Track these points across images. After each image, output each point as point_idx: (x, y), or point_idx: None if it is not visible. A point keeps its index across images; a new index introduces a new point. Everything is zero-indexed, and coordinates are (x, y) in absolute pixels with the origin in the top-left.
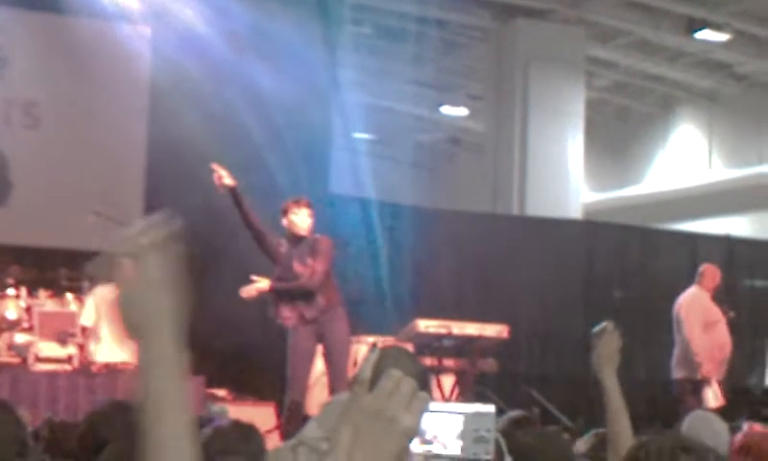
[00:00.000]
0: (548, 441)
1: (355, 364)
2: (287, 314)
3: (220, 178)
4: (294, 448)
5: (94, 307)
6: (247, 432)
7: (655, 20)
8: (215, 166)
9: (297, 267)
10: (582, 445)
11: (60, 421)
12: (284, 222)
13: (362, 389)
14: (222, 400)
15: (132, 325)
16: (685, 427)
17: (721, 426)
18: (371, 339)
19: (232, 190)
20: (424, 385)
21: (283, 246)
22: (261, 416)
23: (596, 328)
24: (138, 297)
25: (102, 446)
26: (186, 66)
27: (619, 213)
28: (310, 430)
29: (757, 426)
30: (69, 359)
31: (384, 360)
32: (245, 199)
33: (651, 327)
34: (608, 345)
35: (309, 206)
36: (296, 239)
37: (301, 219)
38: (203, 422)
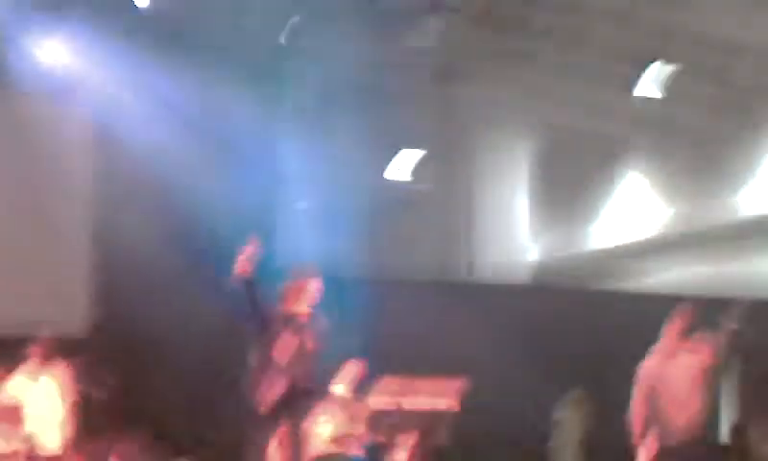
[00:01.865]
0: None
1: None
2: (263, 395)
3: (245, 270)
4: None
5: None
6: None
7: (593, 78)
8: (242, 257)
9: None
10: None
11: None
12: (281, 306)
13: None
14: None
15: None
16: None
17: None
18: (322, 417)
19: (249, 281)
20: None
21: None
22: None
23: (566, 398)
24: None
25: None
26: (125, 142)
27: (570, 269)
28: None
29: None
30: (15, 454)
31: None
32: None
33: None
34: (574, 416)
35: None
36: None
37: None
38: None
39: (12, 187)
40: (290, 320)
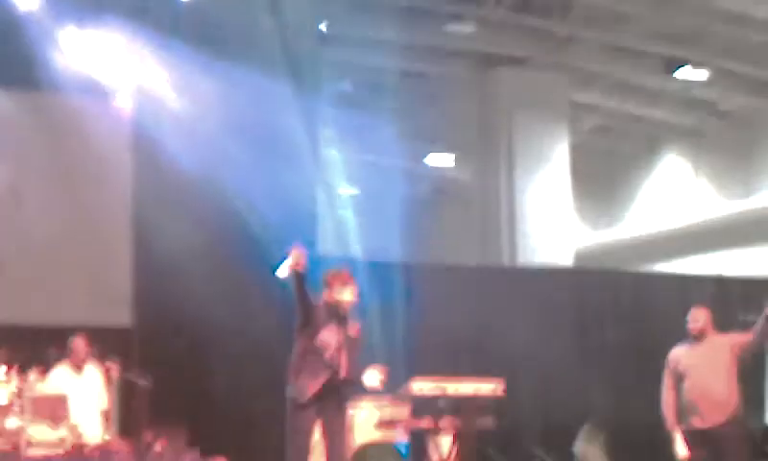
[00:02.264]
0: None
1: (350, 429)
2: (306, 385)
3: (298, 264)
4: None
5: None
6: None
7: (634, 61)
8: (296, 250)
9: (326, 339)
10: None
11: None
12: (325, 294)
13: None
14: None
15: None
16: None
17: None
18: (365, 403)
19: (300, 274)
20: None
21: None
22: None
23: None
24: None
25: None
26: (170, 139)
27: (611, 254)
28: None
29: None
30: (62, 442)
31: (368, 457)
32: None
33: (645, 371)
34: (591, 444)
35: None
36: (334, 312)
37: (346, 296)
38: None
39: (55, 187)
40: (333, 309)
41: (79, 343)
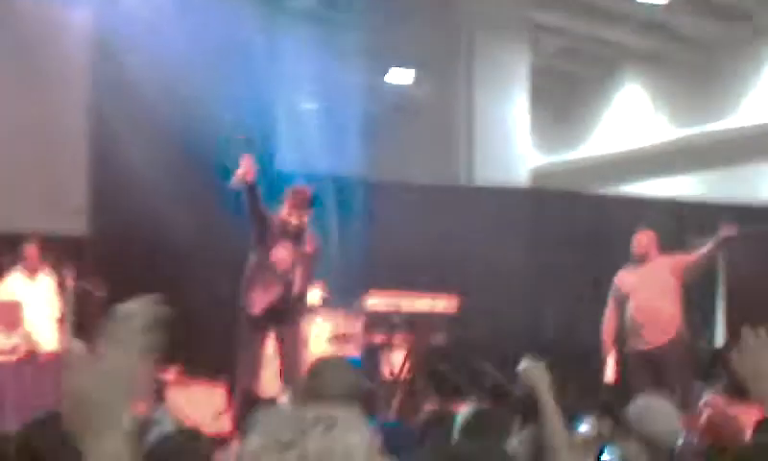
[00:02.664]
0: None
1: (305, 344)
2: (257, 298)
3: (247, 173)
4: None
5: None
6: (193, 439)
7: None
8: (246, 161)
9: (280, 255)
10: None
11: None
12: (282, 211)
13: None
14: (172, 381)
15: (84, 419)
16: (633, 415)
17: (669, 409)
18: (319, 317)
19: (252, 186)
20: (366, 396)
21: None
22: (212, 397)
23: (519, 367)
24: (92, 391)
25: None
26: (128, 46)
27: (567, 176)
28: (251, 442)
29: (718, 399)
30: (15, 349)
31: (323, 371)
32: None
33: (599, 293)
34: (536, 369)
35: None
36: (290, 229)
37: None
38: (146, 425)
39: (10, 89)
40: (289, 225)
41: (32, 250)
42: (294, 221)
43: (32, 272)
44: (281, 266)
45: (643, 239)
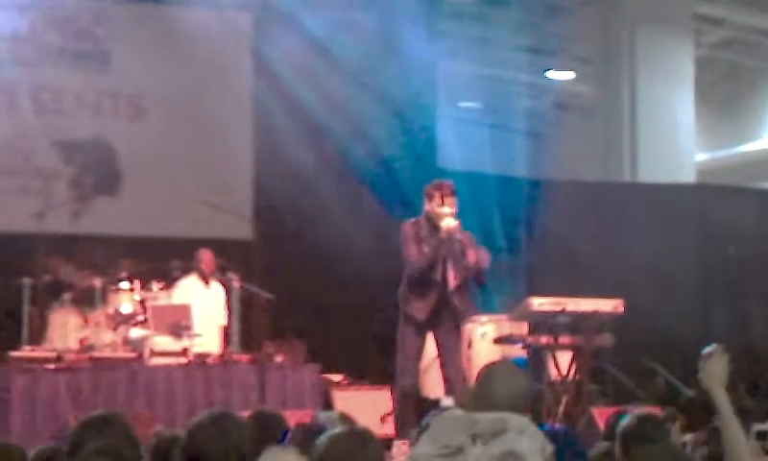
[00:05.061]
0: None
1: (469, 345)
2: (419, 306)
3: (449, 230)
4: None
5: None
6: (363, 438)
7: None
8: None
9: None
10: (693, 437)
11: (170, 436)
12: (426, 207)
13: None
14: (337, 385)
15: None
16: None
17: None
18: (484, 319)
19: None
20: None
21: (422, 230)
22: (377, 401)
23: (706, 351)
24: None
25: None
26: (288, 52)
27: (733, 172)
28: (422, 447)
29: None
30: (184, 352)
31: (493, 376)
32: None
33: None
34: (717, 366)
35: (454, 193)
36: (434, 224)
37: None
38: (314, 430)
39: (177, 100)
40: (433, 221)
41: (206, 255)
42: (437, 216)
43: (205, 277)
44: (434, 269)
45: None
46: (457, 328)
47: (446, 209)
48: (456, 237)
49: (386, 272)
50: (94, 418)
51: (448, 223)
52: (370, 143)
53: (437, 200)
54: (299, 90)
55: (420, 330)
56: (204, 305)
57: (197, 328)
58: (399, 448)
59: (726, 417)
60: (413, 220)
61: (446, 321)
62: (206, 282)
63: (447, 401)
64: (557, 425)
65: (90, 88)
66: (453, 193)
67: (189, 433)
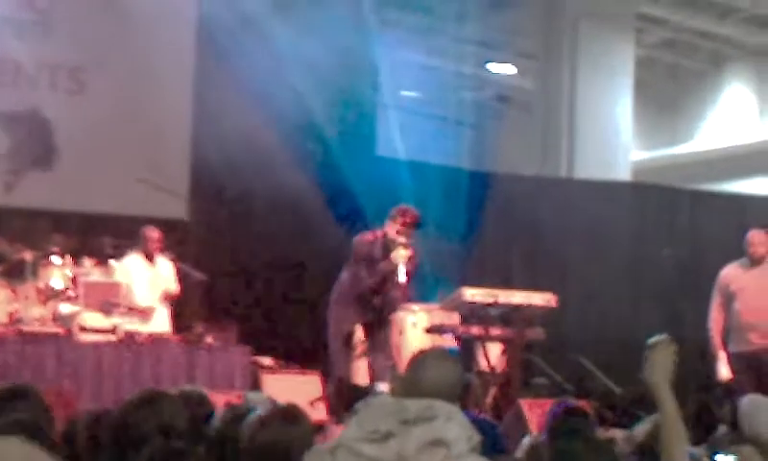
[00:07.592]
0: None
1: (400, 333)
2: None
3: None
4: (333, 450)
5: (123, 278)
6: (293, 417)
7: None
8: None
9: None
10: (640, 433)
11: (98, 414)
12: (387, 228)
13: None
14: (267, 368)
15: None
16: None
17: None
18: (416, 307)
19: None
20: (464, 389)
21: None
22: (306, 385)
23: (651, 340)
24: None
25: (134, 440)
26: (230, 32)
27: (669, 172)
28: (350, 431)
29: None
30: (114, 330)
31: (424, 363)
32: None
33: (699, 288)
34: (663, 357)
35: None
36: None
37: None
38: (243, 411)
39: (116, 74)
40: (390, 243)
41: (154, 233)
42: (401, 240)
43: (150, 255)
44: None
45: (761, 240)
46: (387, 316)
47: (401, 239)
48: (401, 268)
49: (322, 257)
50: (5, 389)
51: (397, 257)
52: (310, 129)
53: (398, 225)
54: (239, 70)
55: (352, 317)
56: (153, 281)
57: (149, 304)
58: (333, 433)
59: (665, 406)
60: (370, 235)
61: (377, 308)
62: (151, 260)
63: (383, 387)
64: (480, 415)
65: (31, 59)
66: (415, 225)
67: (121, 412)
